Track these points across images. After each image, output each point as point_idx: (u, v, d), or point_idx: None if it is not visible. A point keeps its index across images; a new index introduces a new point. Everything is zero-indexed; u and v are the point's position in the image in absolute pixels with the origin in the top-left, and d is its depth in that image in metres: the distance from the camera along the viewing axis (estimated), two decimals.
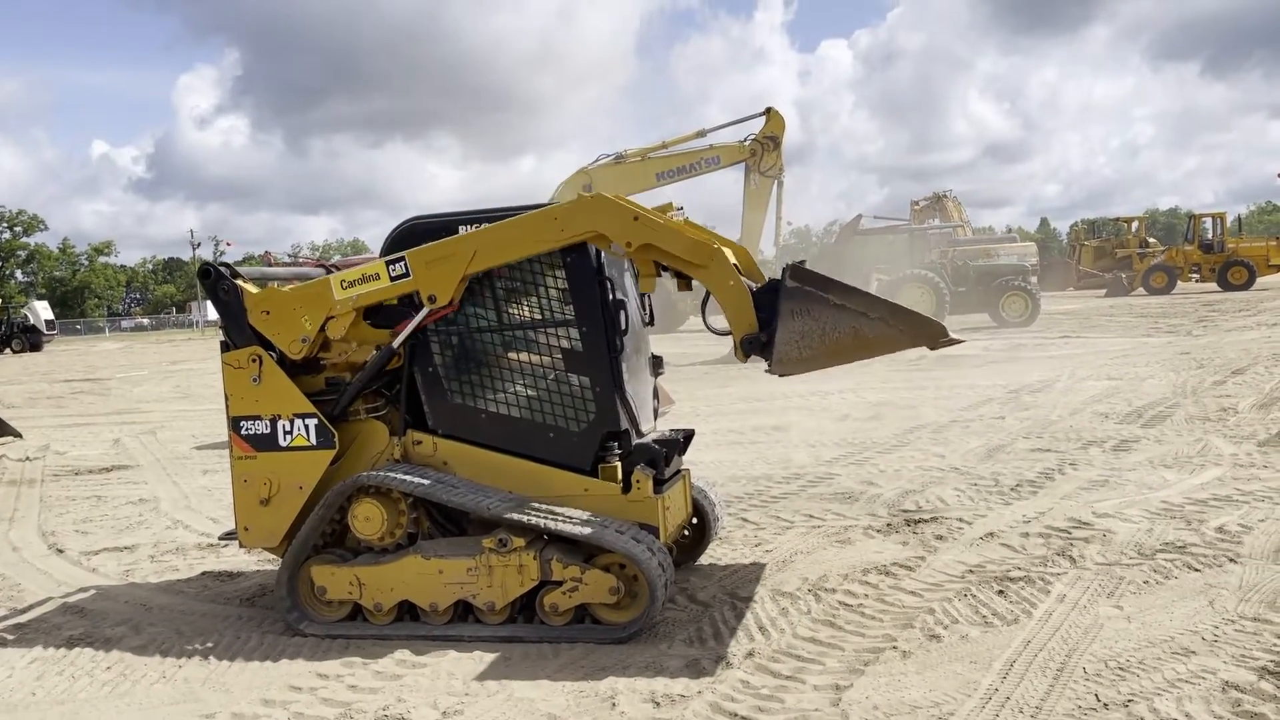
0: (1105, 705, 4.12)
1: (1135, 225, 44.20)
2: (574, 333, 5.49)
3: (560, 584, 5.22)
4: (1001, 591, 5.60)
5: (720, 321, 5.55)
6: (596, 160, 22.60)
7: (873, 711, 4.19)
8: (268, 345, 5.69)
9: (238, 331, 5.73)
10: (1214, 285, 38.49)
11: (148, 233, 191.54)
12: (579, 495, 5.46)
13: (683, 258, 5.23)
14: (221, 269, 5.78)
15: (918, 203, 40.91)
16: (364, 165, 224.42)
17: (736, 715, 4.23)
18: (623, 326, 5.54)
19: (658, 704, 4.39)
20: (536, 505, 5.38)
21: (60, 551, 7.90)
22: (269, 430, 5.65)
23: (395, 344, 5.59)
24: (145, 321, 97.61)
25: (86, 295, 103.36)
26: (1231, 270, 37.91)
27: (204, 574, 7.03)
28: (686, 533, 6.38)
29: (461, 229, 5.59)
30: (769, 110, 21.79)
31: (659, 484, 5.55)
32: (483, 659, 5.01)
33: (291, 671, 5.03)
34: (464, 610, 5.41)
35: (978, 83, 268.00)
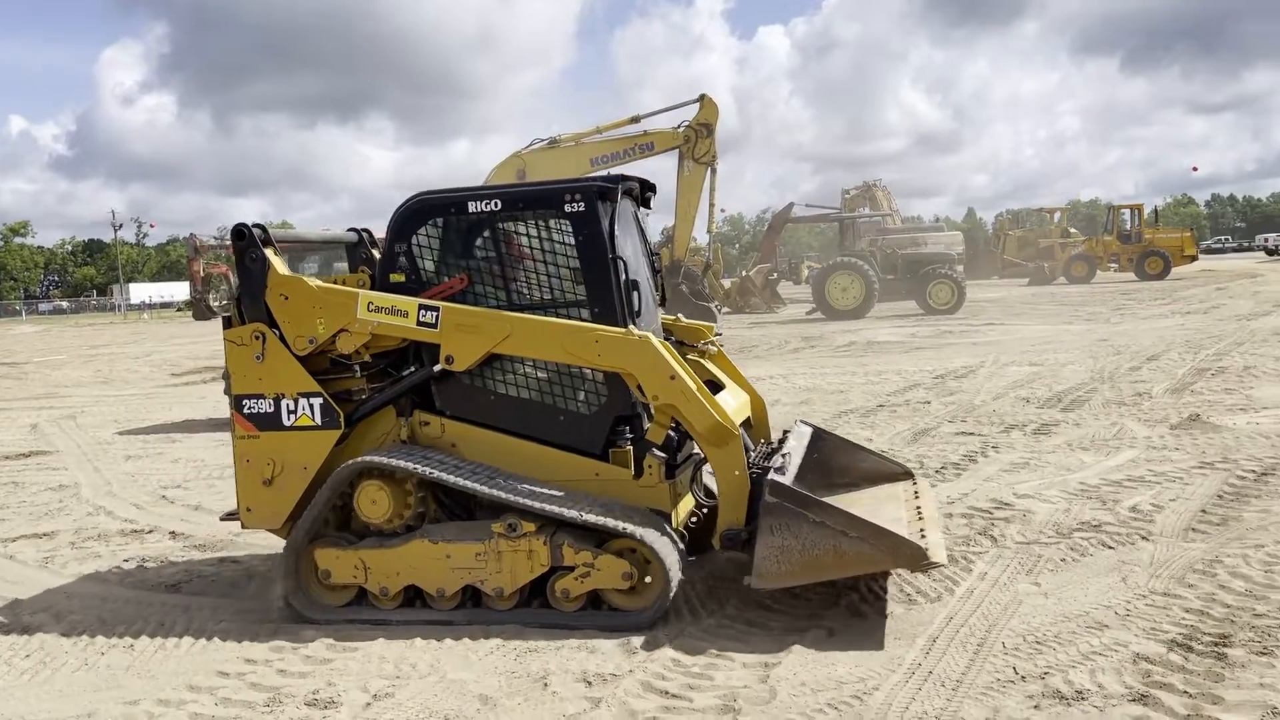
0: (1023, 677, 4.27)
1: (1057, 216, 45.28)
2: (586, 314, 5.39)
3: (572, 569, 5.12)
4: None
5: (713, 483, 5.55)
6: (530, 145, 22.43)
7: (800, 687, 4.28)
8: (275, 324, 5.54)
9: (251, 302, 5.58)
10: (1132, 275, 39.62)
11: (68, 213, 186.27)
12: (589, 480, 5.37)
13: (699, 430, 5.22)
14: (256, 233, 5.56)
15: (849, 191, 41.40)
16: (295, 146, 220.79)
17: (667, 693, 4.30)
18: (636, 307, 5.46)
19: (589, 683, 4.43)
20: (548, 489, 5.25)
21: None
22: (272, 409, 5.52)
23: (435, 369, 5.46)
24: (64, 305, 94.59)
25: (1, 277, 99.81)
26: (1148, 260, 39.02)
27: (128, 560, 6.89)
28: (694, 520, 6.17)
29: (471, 205, 5.47)
30: (702, 97, 21.85)
31: (670, 470, 5.47)
32: (415, 642, 5.00)
33: (218, 657, 4.97)
34: (472, 596, 5.29)
35: (910, 74, 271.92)
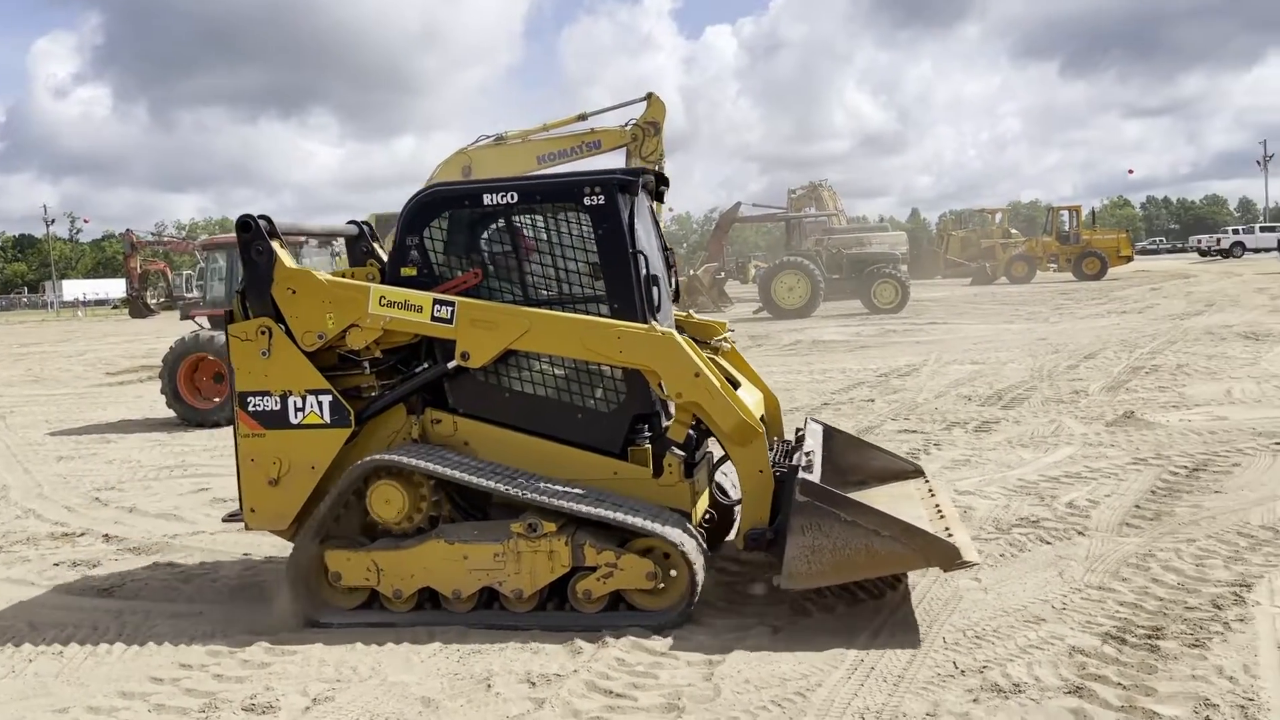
0: (963, 672, 4.32)
1: (999, 217, 46.08)
2: (605, 310, 5.29)
3: (594, 570, 5.02)
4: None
5: (734, 491, 5.51)
6: (476, 141, 22.24)
7: (744, 685, 4.29)
8: (281, 319, 5.37)
9: (256, 296, 5.40)
10: (1070, 275, 40.42)
11: None
12: (608, 478, 5.25)
13: (723, 429, 5.14)
14: (261, 224, 5.37)
15: (795, 191, 41.71)
16: (237, 141, 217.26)
17: (611, 693, 4.28)
18: (656, 303, 5.37)
19: (533, 684, 4.40)
20: (571, 489, 5.14)
21: None
22: (279, 407, 5.35)
23: (449, 366, 5.32)
24: None
25: None
26: (1086, 260, 39.82)
27: (58, 565, 6.71)
28: (706, 520, 6.11)
29: (486, 197, 5.34)
30: (650, 95, 21.79)
31: (688, 468, 5.37)
32: (356, 645, 4.92)
33: (152, 663, 4.85)
34: (489, 597, 5.16)
35: (856, 75, 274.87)
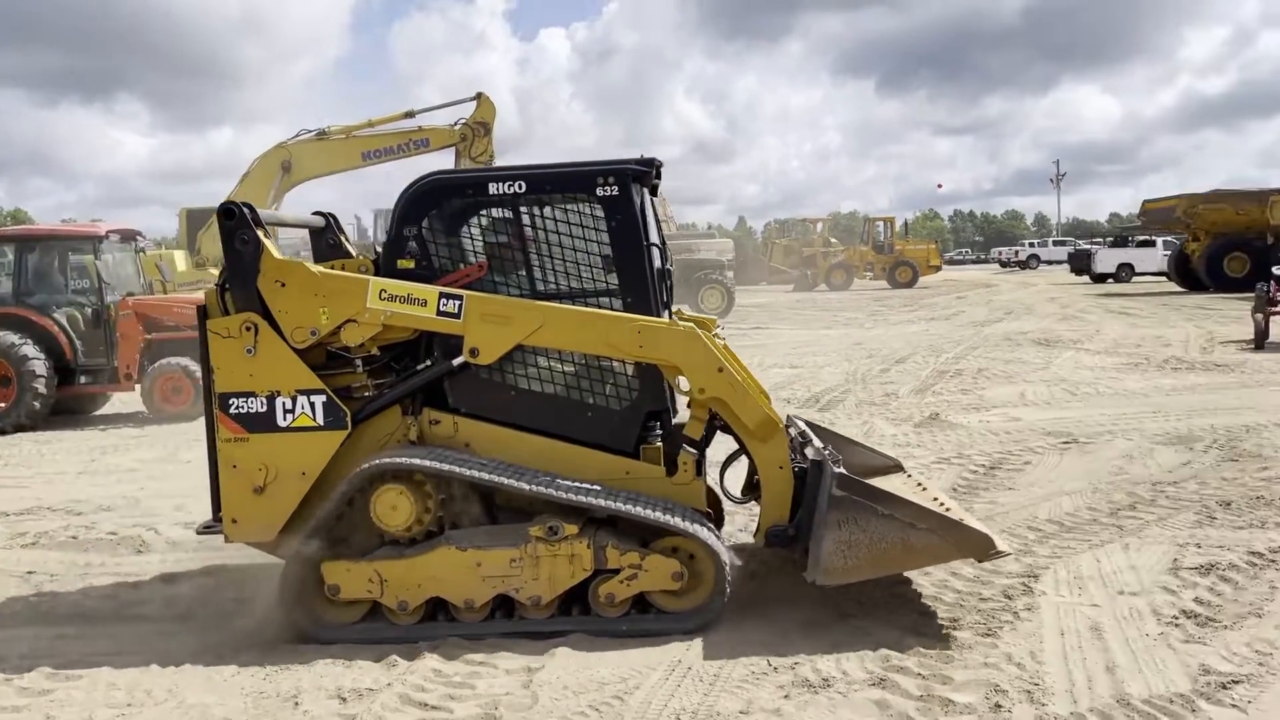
0: (775, 669, 4.44)
1: (820, 226, 47.88)
2: (618, 304, 5.08)
3: (616, 572, 4.83)
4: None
5: (735, 487, 5.45)
6: (297, 135, 21.44)
7: (563, 691, 4.27)
8: (267, 314, 4.94)
9: (240, 288, 4.96)
10: (885, 283, 42.45)
11: None
12: (621, 478, 5.05)
13: (746, 425, 5.04)
14: (246, 212, 4.92)
15: None
16: (33, 126, 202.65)
17: (427, 705, 4.18)
18: (665, 299, 5.21)
19: (344, 699, 4.25)
20: (593, 489, 4.91)
21: None
22: (265, 408, 4.93)
23: (455, 363, 5.02)
24: None
25: None
26: (899, 269, 41.97)
27: None
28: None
29: (492, 186, 5.06)
30: (479, 95, 21.55)
31: (698, 466, 5.22)
32: (151, 665, 4.64)
33: None
34: (501, 606, 4.93)
35: (685, 83, 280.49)
